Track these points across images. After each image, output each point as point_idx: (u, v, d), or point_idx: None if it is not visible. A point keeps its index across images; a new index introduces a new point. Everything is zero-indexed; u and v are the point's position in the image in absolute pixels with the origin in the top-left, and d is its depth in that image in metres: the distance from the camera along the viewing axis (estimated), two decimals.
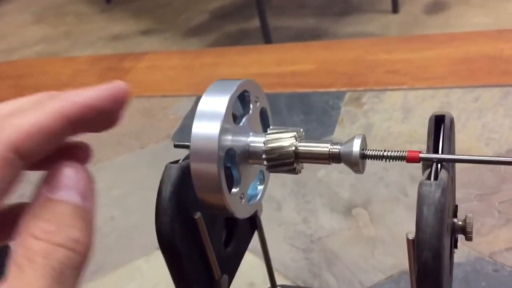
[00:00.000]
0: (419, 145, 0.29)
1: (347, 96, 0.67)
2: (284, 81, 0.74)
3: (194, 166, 0.27)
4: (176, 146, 0.32)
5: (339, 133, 0.62)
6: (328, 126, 0.63)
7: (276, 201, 0.55)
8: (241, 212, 0.29)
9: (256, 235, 0.38)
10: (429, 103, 0.62)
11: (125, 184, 0.61)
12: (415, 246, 0.24)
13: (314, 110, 0.67)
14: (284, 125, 0.66)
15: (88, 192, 0.21)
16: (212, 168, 0.26)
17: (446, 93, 0.64)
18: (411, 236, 0.25)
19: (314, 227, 0.51)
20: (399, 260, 0.42)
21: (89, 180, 0.21)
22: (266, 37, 2.04)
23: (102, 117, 0.22)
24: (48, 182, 0.20)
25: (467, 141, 0.56)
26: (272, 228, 0.52)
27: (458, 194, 0.49)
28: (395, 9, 2.27)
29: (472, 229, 0.32)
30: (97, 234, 0.55)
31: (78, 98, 0.22)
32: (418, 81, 0.67)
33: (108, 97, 0.22)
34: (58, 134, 0.21)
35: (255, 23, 2.06)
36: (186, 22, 2.65)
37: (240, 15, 2.57)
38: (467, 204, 0.48)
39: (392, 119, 0.61)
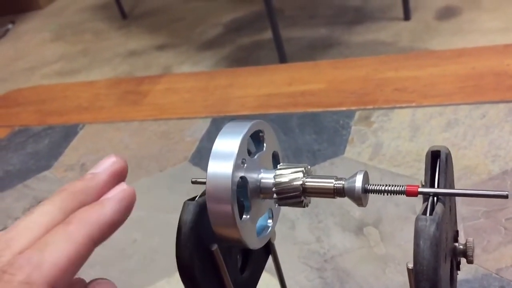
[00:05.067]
0: None
1: (356, 115, 0.70)
2: (296, 101, 0.76)
3: (210, 203, 0.29)
4: (193, 183, 0.34)
5: (349, 152, 0.64)
6: (338, 145, 0.65)
7: (290, 220, 0.57)
8: (255, 243, 0.32)
9: (270, 258, 0.40)
10: (436, 121, 0.64)
11: (146, 207, 0.64)
12: (414, 276, 0.26)
13: (325, 129, 0.69)
14: (296, 144, 0.69)
15: None
16: (226, 204, 0.29)
17: (454, 110, 0.65)
18: (411, 265, 0.27)
19: (327, 246, 0.53)
20: None
21: None
22: (279, 48, 2.07)
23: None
24: None
25: (474, 158, 0.57)
26: (287, 247, 0.54)
27: (465, 212, 0.51)
28: (406, 16, 2.30)
29: (472, 252, 0.34)
30: (121, 256, 0.59)
31: (102, 219, 0.22)
32: (426, 98, 0.68)
33: (124, 209, 0.24)
34: (86, 258, 0.22)
35: (268, 34, 2.09)
36: (200, 36, 2.70)
37: (253, 28, 2.61)
38: (473, 222, 0.50)
39: (401, 138, 0.63)
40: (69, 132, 0.85)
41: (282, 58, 1.98)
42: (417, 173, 0.58)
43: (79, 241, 0.21)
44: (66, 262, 0.20)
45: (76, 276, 0.22)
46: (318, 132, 0.69)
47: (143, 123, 0.82)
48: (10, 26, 3.47)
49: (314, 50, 2.28)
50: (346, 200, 0.31)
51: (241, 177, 0.30)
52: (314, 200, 0.59)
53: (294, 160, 0.65)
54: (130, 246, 0.60)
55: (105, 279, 0.23)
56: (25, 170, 0.79)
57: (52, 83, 2.02)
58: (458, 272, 0.37)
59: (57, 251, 0.20)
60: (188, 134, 0.75)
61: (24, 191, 0.75)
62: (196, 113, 0.80)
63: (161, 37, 2.74)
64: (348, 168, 0.61)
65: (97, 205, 0.23)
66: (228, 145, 0.30)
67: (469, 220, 0.50)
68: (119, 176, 0.26)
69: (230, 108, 0.79)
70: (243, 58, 2.32)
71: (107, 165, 0.26)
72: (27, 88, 1.06)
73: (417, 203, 0.54)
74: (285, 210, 0.59)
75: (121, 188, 0.25)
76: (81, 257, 0.21)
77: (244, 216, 0.30)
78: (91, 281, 0.22)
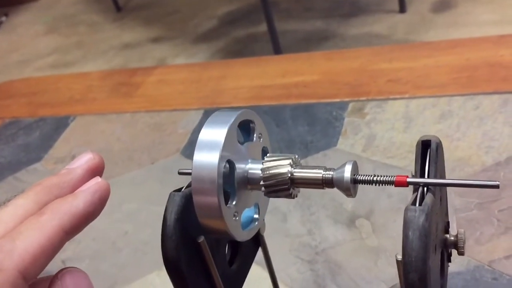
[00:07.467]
0: None
1: (350, 106, 0.69)
2: (289, 92, 0.75)
3: (196, 194, 0.28)
4: (180, 173, 0.34)
5: (342, 144, 0.63)
6: (331, 137, 0.65)
7: (282, 213, 0.57)
8: (242, 235, 0.31)
9: (260, 251, 0.39)
10: (430, 112, 0.64)
11: (137, 200, 0.63)
12: (403, 268, 0.25)
13: (318, 121, 0.68)
14: (289, 136, 0.68)
15: None
16: (212, 195, 0.28)
17: (447, 101, 0.65)
18: (400, 257, 0.26)
19: (319, 238, 0.52)
20: None
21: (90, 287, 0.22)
22: (274, 41, 2.06)
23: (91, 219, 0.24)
24: None
25: (467, 149, 0.57)
26: (279, 239, 0.54)
27: (458, 203, 0.51)
28: (402, 9, 2.29)
29: (463, 244, 0.33)
30: (112, 249, 0.58)
31: (74, 209, 0.23)
32: (419, 89, 0.68)
33: (97, 201, 0.24)
34: (58, 248, 0.22)
35: (263, 27, 2.08)
36: (195, 28, 2.69)
37: (248, 20, 2.60)
38: (466, 213, 0.50)
39: (394, 129, 0.63)
40: (60, 124, 0.84)
41: (277, 51, 1.97)
42: (410, 165, 0.57)
43: (51, 231, 0.21)
44: (37, 251, 0.21)
45: (70, 268, 0.23)
46: (311, 124, 0.68)
47: (135, 115, 0.81)
48: (3, 18, 3.44)
49: (309, 43, 2.27)
50: (338, 192, 0.30)
51: (227, 168, 0.29)
52: (306, 192, 0.58)
53: (286, 151, 0.65)
54: (121, 238, 0.60)
55: (75, 267, 0.23)
56: (16, 163, 0.78)
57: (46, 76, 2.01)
58: (450, 264, 0.36)
59: (28, 239, 0.21)
60: (181, 126, 0.75)
61: (15, 184, 0.74)
62: (189, 104, 0.79)
63: (156, 29, 2.72)
64: (341, 159, 0.61)
65: (70, 197, 0.24)
66: (214, 135, 0.29)
67: (461, 212, 0.50)
68: (95, 172, 0.26)
69: (223, 99, 0.78)
70: (238, 51, 2.31)
71: (83, 161, 0.26)
72: (18, 80, 1.05)
73: (410, 194, 0.54)
74: (277, 202, 0.58)
75: (95, 181, 0.25)
76: (53, 247, 0.21)
77: (232, 212, 0.30)
78: (60, 270, 0.22)
